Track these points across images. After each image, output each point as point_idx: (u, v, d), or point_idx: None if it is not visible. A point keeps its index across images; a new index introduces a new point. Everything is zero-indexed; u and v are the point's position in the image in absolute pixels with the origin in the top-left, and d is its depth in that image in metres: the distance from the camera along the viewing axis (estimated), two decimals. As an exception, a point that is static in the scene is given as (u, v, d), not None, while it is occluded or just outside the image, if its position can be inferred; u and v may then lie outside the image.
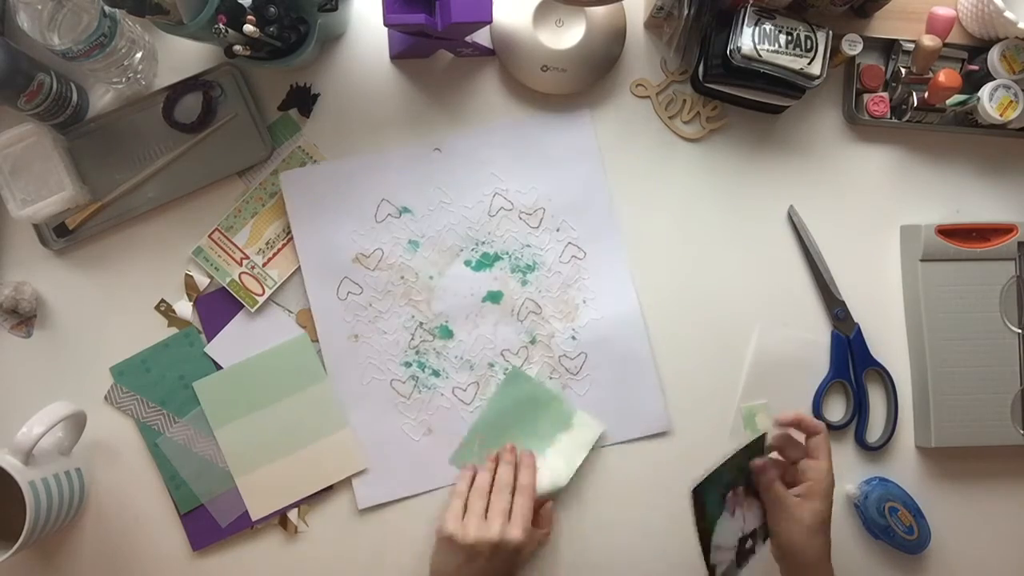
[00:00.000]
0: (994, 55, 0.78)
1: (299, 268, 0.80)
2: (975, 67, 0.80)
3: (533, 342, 0.80)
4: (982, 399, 0.78)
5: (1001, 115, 0.77)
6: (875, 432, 0.81)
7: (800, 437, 0.71)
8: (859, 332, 0.81)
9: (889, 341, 0.81)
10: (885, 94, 0.82)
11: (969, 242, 0.79)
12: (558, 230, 0.81)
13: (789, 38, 0.75)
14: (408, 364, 0.80)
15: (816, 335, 0.81)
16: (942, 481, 0.81)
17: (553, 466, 0.77)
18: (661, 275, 0.81)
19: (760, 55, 0.74)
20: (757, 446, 0.71)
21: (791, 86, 0.76)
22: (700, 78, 0.79)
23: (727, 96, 0.80)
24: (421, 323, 0.80)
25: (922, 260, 0.79)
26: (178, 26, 0.68)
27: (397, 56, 0.82)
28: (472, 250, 0.80)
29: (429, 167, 0.81)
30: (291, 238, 0.80)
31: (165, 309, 0.80)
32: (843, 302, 0.81)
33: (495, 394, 0.79)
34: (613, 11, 0.81)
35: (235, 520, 0.78)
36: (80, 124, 0.80)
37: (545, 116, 0.82)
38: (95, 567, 0.78)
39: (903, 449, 0.81)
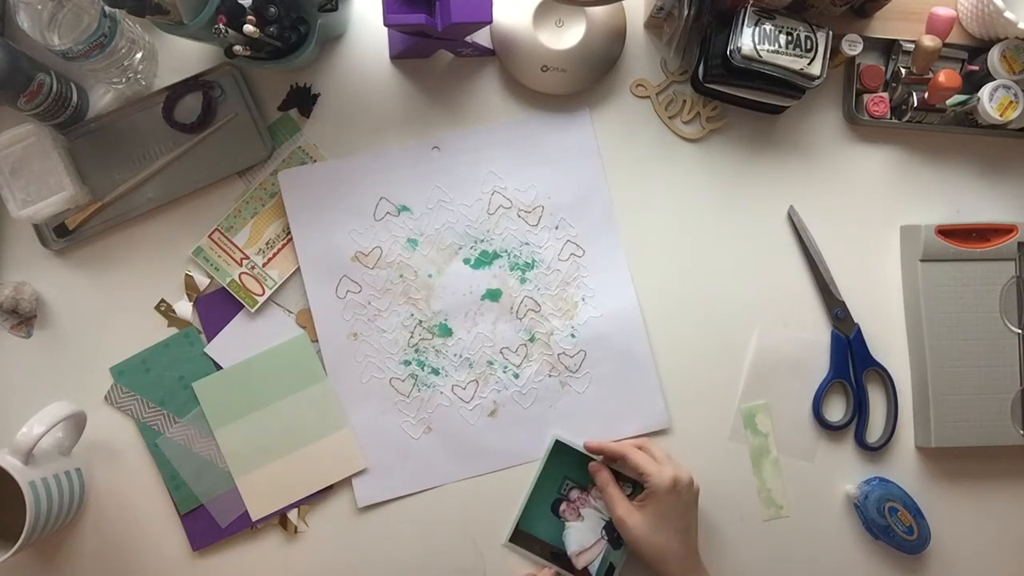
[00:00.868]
0: (994, 55, 0.78)
1: (299, 268, 0.80)
2: (975, 67, 0.80)
3: (532, 340, 0.80)
4: (982, 399, 0.78)
5: (1001, 115, 0.77)
6: (875, 432, 0.81)
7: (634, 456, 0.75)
8: (859, 332, 0.81)
9: (889, 341, 0.81)
10: (885, 94, 0.82)
11: (969, 242, 0.79)
12: (557, 228, 0.81)
13: (789, 38, 0.75)
14: (407, 362, 0.80)
15: (816, 335, 0.81)
16: (942, 481, 0.81)
17: None
18: (661, 275, 0.81)
19: (760, 55, 0.74)
20: (577, 458, 0.78)
21: (791, 86, 0.76)
22: (700, 78, 0.79)
23: (727, 96, 0.80)
24: (420, 321, 0.80)
25: (922, 260, 0.79)
26: (178, 26, 0.68)
27: (397, 56, 0.82)
28: (471, 248, 0.81)
29: (428, 165, 0.81)
30: (291, 238, 0.80)
31: (165, 309, 0.80)
32: (843, 302, 0.81)
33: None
34: (613, 11, 0.81)
35: (235, 520, 0.78)
36: (80, 124, 0.80)
37: (545, 115, 0.82)
38: (95, 567, 0.78)
39: (903, 449, 0.81)
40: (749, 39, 0.74)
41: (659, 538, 0.72)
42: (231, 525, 0.78)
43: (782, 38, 0.74)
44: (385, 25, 0.70)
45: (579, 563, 0.77)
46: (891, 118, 0.82)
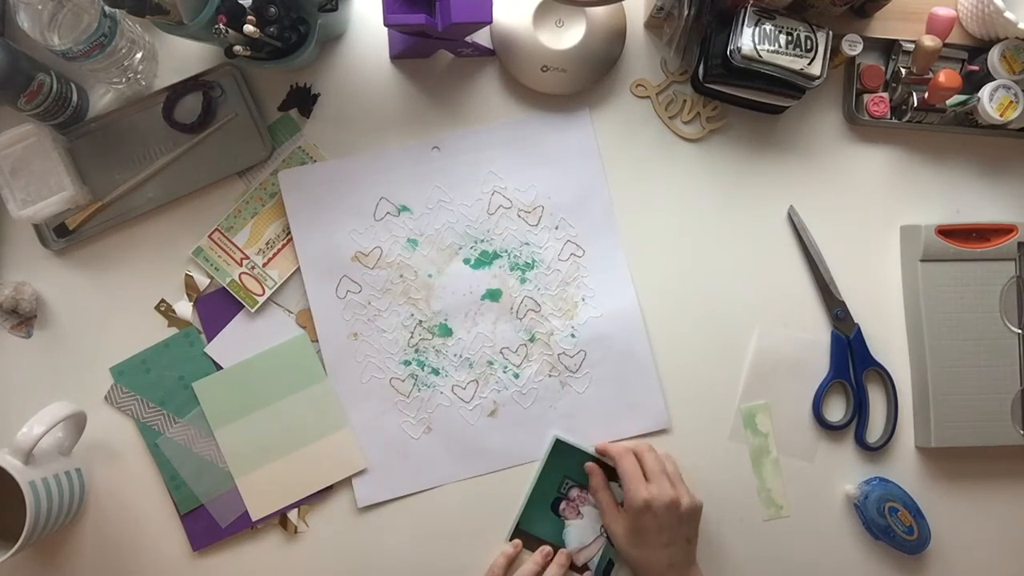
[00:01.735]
0: (994, 55, 0.78)
1: (299, 268, 0.80)
2: (975, 67, 0.80)
3: (532, 340, 0.80)
4: (982, 399, 0.78)
5: (1001, 115, 0.77)
6: (875, 432, 0.81)
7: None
8: (859, 332, 0.81)
9: (889, 341, 0.81)
10: (885, 94, 0.82)
11: (969, 242, 0.79)
12: (557, 228, 0.81)
13: (789, 38, 0.75)
14: (407, 362, 0.80)
15: (816, 335, 0.81)
16: (942, 481, 0.81)
17: None
18: (661, 275, 0.81)
19: (760, 55, 0.74)
20: (577, 458, 0.78)
21: (791, 86, 0.76)
22: (700, 78, 0.79)
23: (727, 96, 0.80)
24: (420, 321, 0.80)
25: (922, 260, 0.79)
26: (178, 26, 0.68)
27: (397, 56, 0.82)
28: (471, 248, 0.81)
29: (428, 165, 0.81)
30: (291, 238, 0.80)
31: (165, 309, 0.80)
32: (843, 302, 0.81)
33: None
34: (613, 11, 0.81)
35: (235, 520, 0.78)
36: (80, 124, 0.80)
37: (545, 115, 0.82)
38: (95, 567, 0.78)
39: (903, 449, 0.81)
40: (749, 39, 0.74)
41: (639, 551, 0.72)
42: (231, 525, 0.78)
43: (782, 38, 0.74)
44: (385, 25, 0.70)
45: (579, 560, 0.77)
46: (891, 118, 0.82)
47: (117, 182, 0.79)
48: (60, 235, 0.79)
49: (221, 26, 0.67)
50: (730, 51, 0.75)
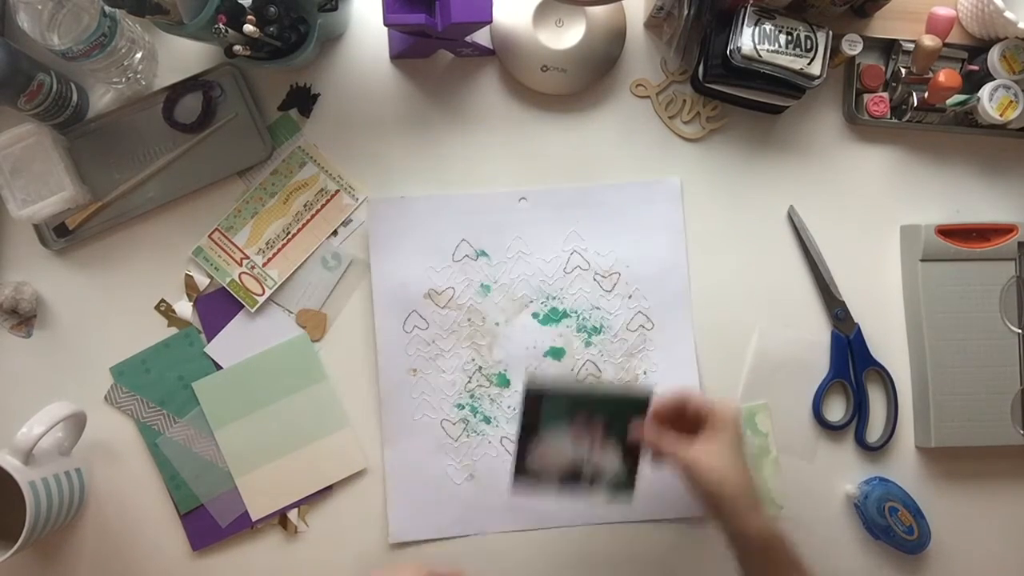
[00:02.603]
0: (994, 55, 0.78)
1: (299, 268, 0.80)
2: (975, 67, 0.80)
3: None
4: (982, 399, 0.78)
5: (1001, 115, 0.77)
6: (875, 432, 0.81)
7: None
8: (859, 332, 0.81)
9: (889, 341, 0.81)
10: (885, 94, 0.82)
11: (969, 242, 0.79)
12: (630, 297, 0.80)
13: (789, 38, 0.75)
14: (461, 406, 0.79)
15: (816, 335, 0.81)
16: (942, 481, 0.81)
17: None
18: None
19: (760, 55, 0.74)
20: (639, 403, 0.69)
21: (791, 86, 0.76)
22: (700, 78, 0.79)
23: (727, 96, 0.80)
24: (480, 367, 0.79)
25: (922, 260, 0.79)
26: (178, 26, 0.68)
27: (397, 56, 0.82)
28: (542, 303, 0.80)
29: (513, 215, 0.80)
30: (291, 238, 0.80)
31: (165, 309, 0.80)
32: (843, 302, 0.81)
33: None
34: (613, 11, 0.81)
35: (235, 520, 0.78)
36: (80, 124, 0.80)
37: (636, 182, 0.81)
38: (95, 567, 0.78)
39: (903, 449, 0.81)
40: (749, 39, 0.74)
41: (731, 469, 0.65)
42: (231, 525, 0.78)
43: (782, 38, 0.74)
44: (385, 25, 0.70)
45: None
46: (891, 118, 0.82)
47: (117, 182, 0.79)
48: (60, 235, 0.79)
49: (221, 26, 0.67)
50: (730, 51, 0.75)
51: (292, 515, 0.79)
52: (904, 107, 0.82)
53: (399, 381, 0.79)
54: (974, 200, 0.83)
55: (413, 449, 0.78)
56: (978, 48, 0.81)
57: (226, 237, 0.80)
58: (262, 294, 0.79)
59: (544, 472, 0.70)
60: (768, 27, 0.75)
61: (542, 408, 0.69)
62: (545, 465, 0.70)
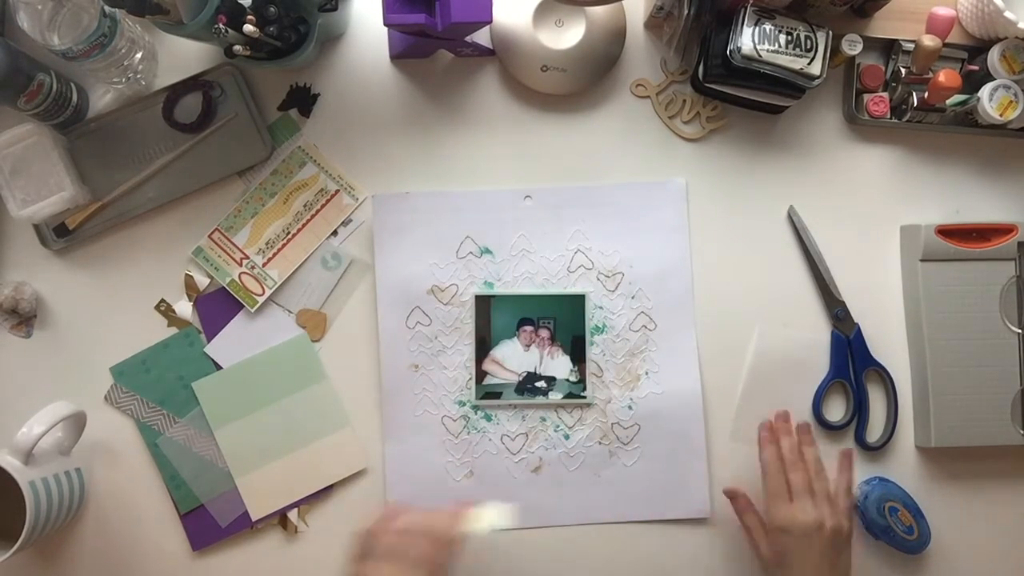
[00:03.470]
0: (994, 55, 0.78)
1: (299, 268, 0.80)
2: (975, 67, 0.80)
3: (589, 404, 0.79)
4: (982, 399, 0.78)
5: (1001, 115, 0.77)
6: (875, 432, 0.81)
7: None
8: (859, 332, 0.81)
9: (889, 341, 0.81)
10: (885, 94, 0.82)
11: (969, 242, 0.79)
12: (633, 297, 0.80)
13: (789, 38, 0.75)
14: (462, 403, 0.79)
15: (816, 335, 0.81)
16: (942, 481, 0.81)
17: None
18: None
19: (760, 55, 0.74)
20: (578, 301, 0.75)
21: (791, 86, 0.76)
22: (700, 78, 0.79)
23: (727, 96, 0.80)
24: None
25: (922, 260, 0.79)
26: (178, 26, 0.68)
27: (397, 56, 0.82)
28: None
29: (518, 212, 0.80)
30: (291, 238, 0.80)
31: (165, 309, 0.80)
32: (843, 302, 0.81)
33: None
34: (613, 11, 0.81)
35: (235, 520, 0.78)
36: (80, 124, 0.80)
37: (641, 183, 0.81)
38: (95, 567, 0.78)
39: (903, 449, 0.81)
40: (749, 39, 0.74)
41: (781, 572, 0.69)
42: (231, 525, 0.78)
43: (782, 38, 0.74)
44: (385, 25, 0.70)
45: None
46: (891, 118, 0.82)
47: (117, 182, 0.79)
48: (60, 235, 0.79)
49: (221, 26, 0.67)
50: (730, 51, 0.75)
51: (292, 515, 0.79)
52: (904, 107, 0.82)
53: (401, 377, 0.79)
54: (974, 200, 0.83)
55: (413, 445, 0.78)
56: (978, 48, 0.81)
57: (226, 237, 0.80)
58: (262, 294, 0.79)
59: (500, 376, 0.74)
60: (768, 27, 0.74)
61: (491, 316, 0.72)
62: (498, 372, 0.74)
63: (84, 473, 0.77)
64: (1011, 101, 0.77)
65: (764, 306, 0.81)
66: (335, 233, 0.81)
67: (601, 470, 0.79)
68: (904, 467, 0.81)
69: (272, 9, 0.71)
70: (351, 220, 0.81)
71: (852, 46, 0.78)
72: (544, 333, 0.73)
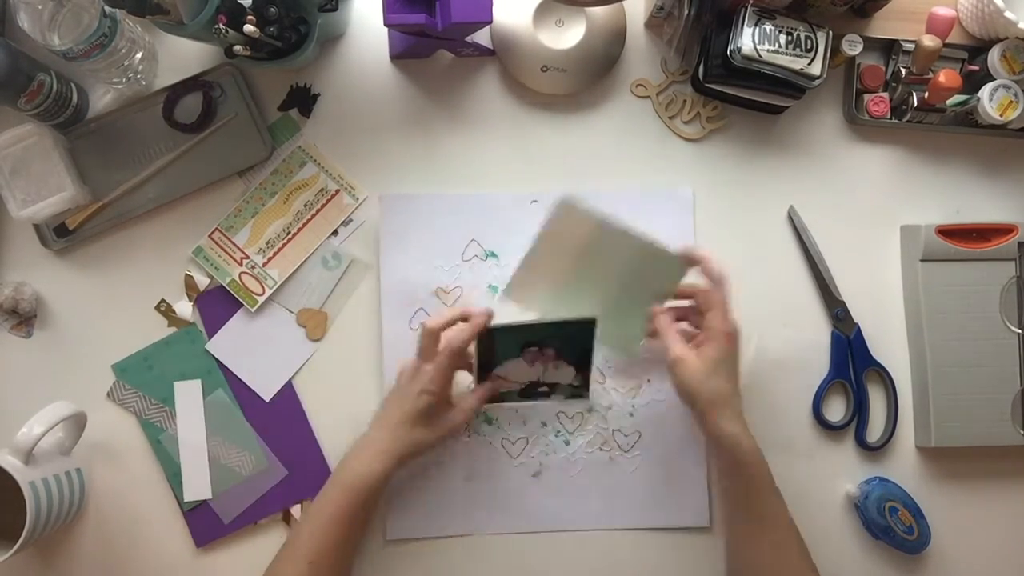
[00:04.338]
0: (994, 55, 0.78)
1: (299, 268, 0.80)
2: (975, 67, 0.80)
3: (590, 410, 0.79)
4: (982, 399, 0.78)
5: (1001, 115, 0.77)
6: (875, 432, 0.81)
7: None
8: (859, 332, 0.81)
9: (889, 341, 0.81)
10: (885, 94, 0.82)
11: (969, 242, 0.79)
12: None
13: (789, 38, 0.75)
14: None
15: (816, 335, 0.81)
16: (942, 481, 0.81)
17: None
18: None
19: (760, 55, 0.74)
20: (586, 326, 0.71)
21: (791, 86, 0.76)
22: (700, 78, 0.79)
23: (727, 96, 0.80)
24: None
25: (922, 260, 0.79)
26: (178, 26, 0.68)
27: (397, 56, 0.82)
28: None
29: (523, 216, 0.79)
30: (291, 238, 0.80)
31: (165, 309, 0.80)
32: (843, 302, 0.81)
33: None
34: (613, 11, 0.81)
35: (238, 516, 0.78)
36: (80, 124, 0.80)
37: (648, 189, 0.81)
38: (95, 566, 0.78)
39: (903, 449, 0.81)
40: (749, 39, 0.74)
41: (717, 381, 0.69)
42: (234, 521, 0.78)
43: (782, 38, 0.74)
44: (385, 25, 0.70)
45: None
46: (891, 118, 0.82)
47: (117, 182, 0.79)
48: (60, 235, 0.79)
49: (221, 26, 0.67)
50: (730, 51, 0.75)
51: (295, 511, 0.79)
52: (904, 107, 0.82)
53: None
54: (974, 200, 0.83)
55: None
56: (978, 48, 0.81)
57: (226, 237, 0.80)
58: (262, 294, 0.79)
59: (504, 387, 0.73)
60: (768, 27, 0.75)
61: (496, 345, 0.71)
62: (504, 385, 0.73)
63: (84, 473, 0.77)
64: (1011, 101, 0.77)
65: (764, 306, 0.81)
66: (335, 233, 0.81)
67: (600, 476, 0.78)
68: (904, 467, 0.81)
69: (272, 9, 0.71)
70: (351, 220, 0.81)
71: (852, 46, 0.78)
72: (550, 352, 0.72)
